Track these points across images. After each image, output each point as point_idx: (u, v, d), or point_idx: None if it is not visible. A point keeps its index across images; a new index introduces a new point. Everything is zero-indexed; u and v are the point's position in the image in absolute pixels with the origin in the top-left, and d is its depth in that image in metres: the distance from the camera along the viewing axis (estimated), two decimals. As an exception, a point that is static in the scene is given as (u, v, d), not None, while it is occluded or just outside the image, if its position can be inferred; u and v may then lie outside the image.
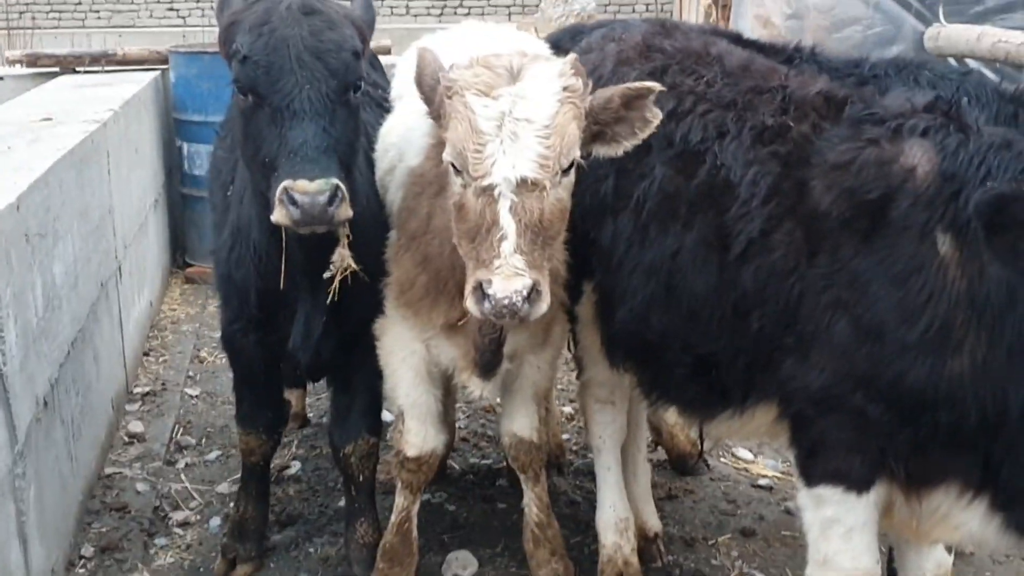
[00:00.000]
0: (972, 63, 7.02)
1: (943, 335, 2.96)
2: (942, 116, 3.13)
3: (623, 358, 3.91)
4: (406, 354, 3.97)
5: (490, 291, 3.02)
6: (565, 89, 3.18)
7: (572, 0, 14.80)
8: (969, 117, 3.11)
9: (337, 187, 3.39)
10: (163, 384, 6.60)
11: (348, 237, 3.64)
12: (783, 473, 5.39)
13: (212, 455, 5.70)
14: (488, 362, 3.72)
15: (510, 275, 3.01)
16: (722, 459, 5.58)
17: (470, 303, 3.11)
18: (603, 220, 3.79)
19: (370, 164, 4.13)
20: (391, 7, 20.57)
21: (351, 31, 3.63)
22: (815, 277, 3.18)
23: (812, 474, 3.30)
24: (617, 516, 4.38)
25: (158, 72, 8.90)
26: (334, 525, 4.85)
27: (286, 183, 3.37)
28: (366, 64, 4.69)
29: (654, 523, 4.67)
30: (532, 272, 3.05)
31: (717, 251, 3.40)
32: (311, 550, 4.70)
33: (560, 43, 4.78)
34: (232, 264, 4.07)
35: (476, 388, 3.86)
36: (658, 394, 3.84)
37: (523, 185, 3.06)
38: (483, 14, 19.48)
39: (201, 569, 4.61)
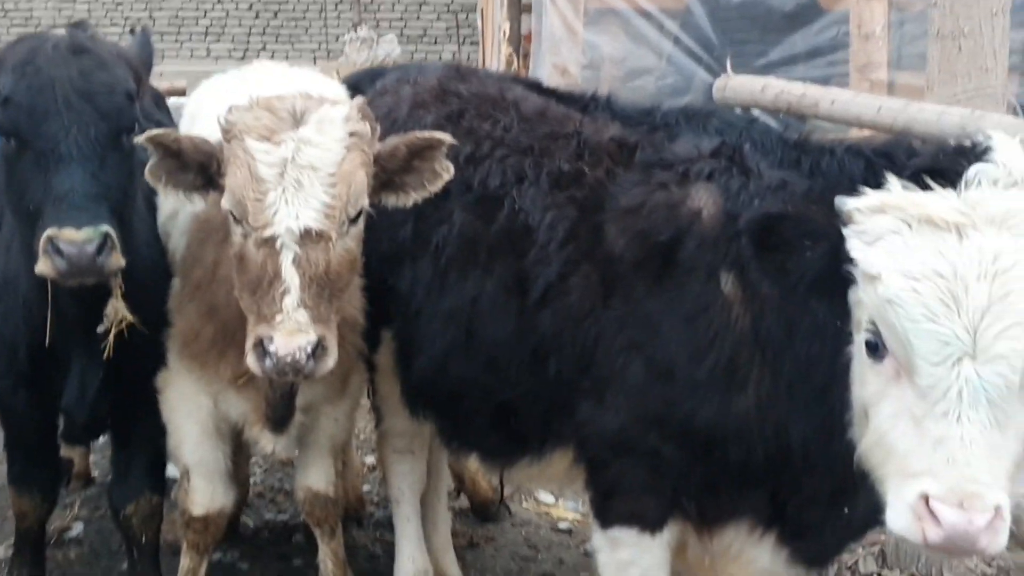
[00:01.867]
0: (758, 112, 7.35)
1: (729, 373, 3.02)
2: (726, 160, 3.21)
3: (423, 407, 3.85)
4: (191, 408, 3.78)
5: (271, 348, 2.91)
6: (352, 134, 3.10)
7: (376, 46, 14.82)
8: (751, 161, 3.21)
9: (107, 235, 3.19)
10: (-72, 444, 6.12)
11: (121, 288, 3.43)
12: (583, 515, 5.39)
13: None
14: (280, 416, 3.58)
15: (293, 331, 2.91)
16: (524, 504, 5.55)
17: (251, 360, 2.99)
18: (402, 266, 3.73)
19: (152, 209, 3.93)
20: (191, 49, 20.17)
21: (124, 71, 3.44)
22: (610, 319, 3.20)
23: (607, 517, 3.31)
24: (416, 567, 4.30)
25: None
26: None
27: (50, 232, 3.16)
28: (149, 104, 4.52)
29: (454, 573, 4.59)
30: (317, 327, 2.95)
31: (516, 296, 3.39)
32: (91, 619, 4.41)
33: (359, 86, 4.71)
34: (-1, 317, 3.79)
35: (268, 443, 3.72)
36: (459, 443, 3.80)
37: (307, 236, 2.97)
38: (287, 57, 19.27)
39: (-32, 645, 4.26)
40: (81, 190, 3.21)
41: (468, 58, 18.45)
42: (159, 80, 7.91)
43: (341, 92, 4.34)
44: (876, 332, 2.54)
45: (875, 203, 2.61)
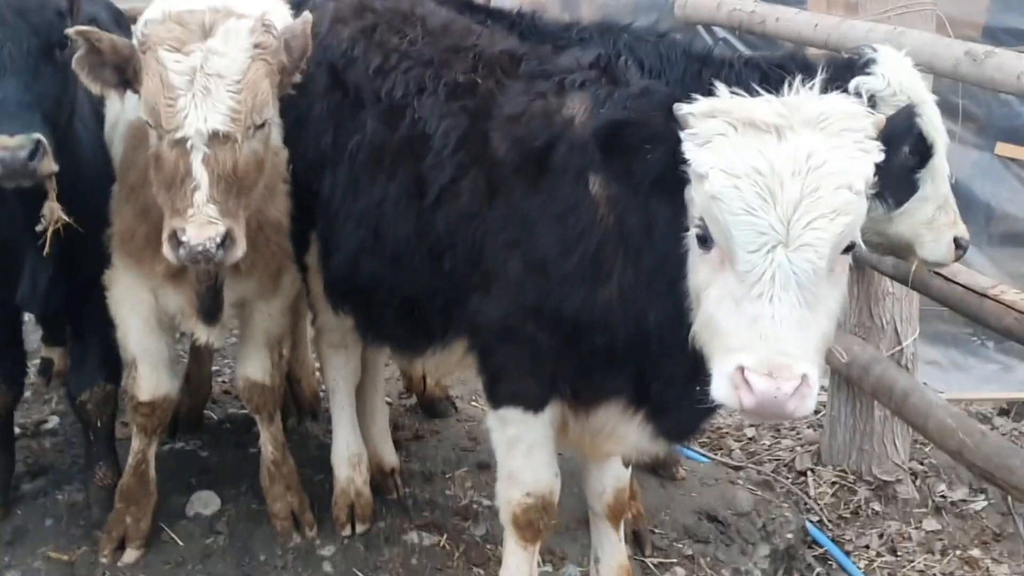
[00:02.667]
0: (719, 31, 7.55)
1: (595, 266, 3.32)
2: (598, 71, 3.48)
3: (341, 302, 4.19)
4: (134, 303, 4.13)
5: (184, 238, 3.24)
6: (256, 46, 3.39)
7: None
8: (619, 72, 3.49)
9: (39, 142, 3.47)
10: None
11: (55, 190, 3.72)
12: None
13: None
14: (208, 308, 3.90)
15: (203, 223, 3.24)
16: (472, 403, 5.92)
17: (166, 250, 3.32)
18: (323, 172, 4.04)
19: (100, 120, 4.24)
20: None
21: None
22: (494, 219, 3.50)
23: (496, 398, 3.66)
24: (350, 451, 4.67)
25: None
26: (84, 474, 4.94)
27: None
28: (108, 20, 4.80)
29: (391, 459, 4.97)
30: (226, 220, 3.27)
31: (416, 199, 3.69)
32: (59, 497, 4.78)
33: (302, 4, 4.96)
34: (-45, 220, 4.13)
35: (202, 334, 4.06)
36: (372, 335, 4.15)
37: (215, 138, 3.28)
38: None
39: (-52, 520, 4.67)
40: (14, 99, 3.50)
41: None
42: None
43: (284, 11, 4.60)
44: (704, 226, 2.82)
45: (706, 108, 2.87)
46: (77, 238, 3.90)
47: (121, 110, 4.06)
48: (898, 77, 4.03)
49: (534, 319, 3.43)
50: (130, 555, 4.34)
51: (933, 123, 4.07)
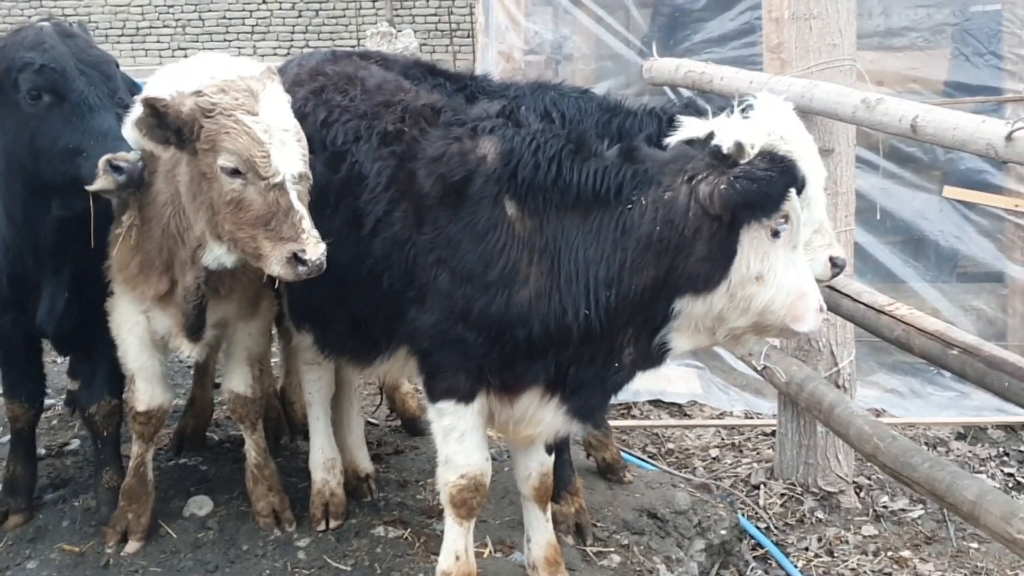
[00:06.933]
0: (684, 91, 8.26)
1: (513, 273, 3.98)
2: (505, 118, 4.19)
3: (300, 322, 4.88)
4: (131, 325, 4.83)
5: (306, 257, 3.90)
6: (289, 103, 4.15)
7: (395, 40, 15.86)
8: (522, 117, 4.20)
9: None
10: (-31, 385, 7.31)
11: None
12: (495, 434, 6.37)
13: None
14: (192, 325, 4.59)
15: (316, 242, 3.94)
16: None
17: (285, 271, 3.94)
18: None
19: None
20: (239, 47, 21.24)
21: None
22: (423, 242, 4.16)
23: (433, 393, 4.29)
24: (325, 456, 5.30)
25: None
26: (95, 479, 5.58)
27: (108, 156, 4.23)
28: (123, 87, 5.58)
29: (366, 466, 5.59)
30: None
31: (355, 229, 4.36)
32: (76, 503, 5.46)
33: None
34: (-15, 255, 4.88)
35: (187, 349, 4.77)
36: (328, 349, 4.82)
37: (301, 178, 4.02)
38: (328, 54, 20.24)
39: (-20, 524, 5.35)
40: (116, 126, 4.34)
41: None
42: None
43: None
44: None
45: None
46: (87, 270, 4.63)
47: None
48: (766, 117, 4.67)
49: (462, 322, 4.07)
50: (131, 546, 5.00)
51: (805, 159, 4.69)
